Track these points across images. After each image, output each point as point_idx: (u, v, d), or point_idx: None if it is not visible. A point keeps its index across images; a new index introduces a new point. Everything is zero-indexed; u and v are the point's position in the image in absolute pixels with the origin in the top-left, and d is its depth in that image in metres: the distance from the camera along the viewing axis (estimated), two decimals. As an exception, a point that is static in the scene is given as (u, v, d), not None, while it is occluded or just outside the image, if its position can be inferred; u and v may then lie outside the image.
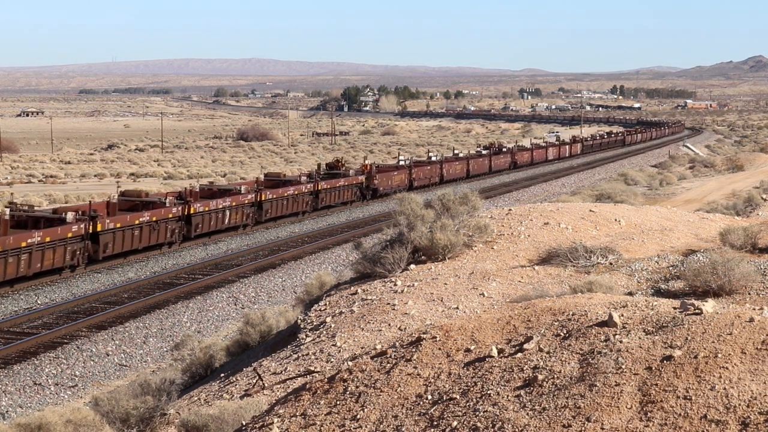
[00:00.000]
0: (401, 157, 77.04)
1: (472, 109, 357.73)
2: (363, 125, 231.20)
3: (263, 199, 49.07)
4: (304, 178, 55.06)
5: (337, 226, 51.57)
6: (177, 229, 42.18)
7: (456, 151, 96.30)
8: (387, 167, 70.74)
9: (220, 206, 45.40)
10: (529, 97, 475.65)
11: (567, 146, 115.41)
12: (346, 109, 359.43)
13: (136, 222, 39.12)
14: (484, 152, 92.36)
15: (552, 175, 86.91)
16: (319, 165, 64.96)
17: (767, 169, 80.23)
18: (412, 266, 19.04)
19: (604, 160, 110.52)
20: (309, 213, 54.32)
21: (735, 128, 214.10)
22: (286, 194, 51.36)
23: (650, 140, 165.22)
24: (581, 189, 66.89)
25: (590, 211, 22.89)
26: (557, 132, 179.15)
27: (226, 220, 46.16)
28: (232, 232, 47.29)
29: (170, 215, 41.42)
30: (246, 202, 47.26)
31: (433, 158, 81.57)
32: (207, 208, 44.25)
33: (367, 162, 70.06)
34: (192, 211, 43.13)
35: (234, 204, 46.35)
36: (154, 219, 40.28)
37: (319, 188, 55.40)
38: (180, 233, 42.57)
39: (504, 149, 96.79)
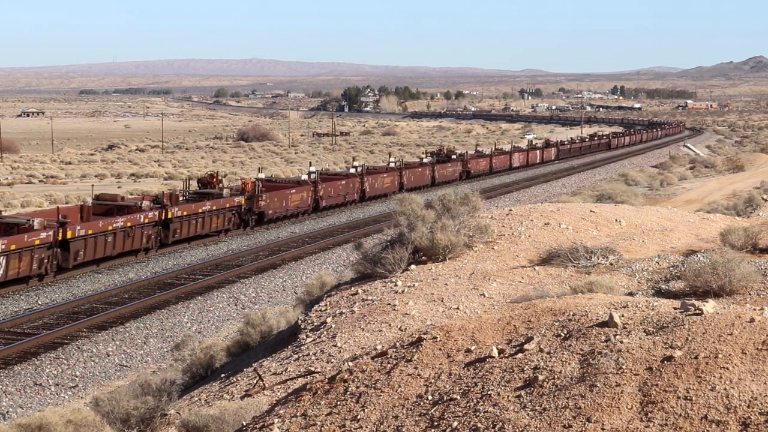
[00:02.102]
0: (312, 169, 61.48)
1: (473, 109, 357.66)
2: (363, 126, 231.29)
3: (73, 236, 35.00)
4: (146, 203, 40.97)
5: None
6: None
7: (421, 156, 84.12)
8: (281, 183, 56.16)
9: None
10: (530, 97, 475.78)
11: (537, 151, 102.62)
12: (346, 109, 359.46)
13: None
14: (426, 160, 78.09)
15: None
16: (186, 181, 50.12)
17: (767, 169, 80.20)
18: (413, 266, 19.04)
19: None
20: (155, 249, 40.96)
21: (735, 128, 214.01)
22: (111, 228, 37.20)
23: (640, 143, 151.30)
24: (582, 189, 66.90)
25: (591, 211, 22.88)
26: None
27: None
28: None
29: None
30: (38, 242, 33.17)
31: (386, 165, 71.31)
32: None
33: (261, 175, 57.83)
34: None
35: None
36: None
37: (171, 216, 41.40)
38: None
39: (454, 156, 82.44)
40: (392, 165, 71.95)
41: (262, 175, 57.98)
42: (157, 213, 40.34)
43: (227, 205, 46.11)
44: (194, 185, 49.60)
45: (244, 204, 47.58)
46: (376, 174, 65.45)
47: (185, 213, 42.49)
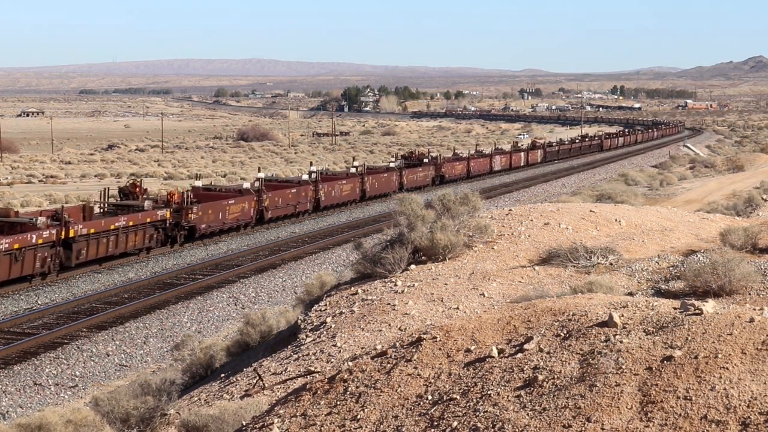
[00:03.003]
0: (260, 175, 53.83)
1: (473, 109, 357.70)
2: (363, 125, 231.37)
3: None
4: (42, 220, 34.43)
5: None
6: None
7: (390, 161, 76.56)
8: (216, 192, 49.15)
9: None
10: (530, 97, 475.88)
11: (522, 153, 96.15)
12: (346, 109, 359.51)
13: None
14: (393, 164, 71.19)
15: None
16: (103, 192, 42.16)
17: (767, 169, 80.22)
18: (413, 266, 19.04)
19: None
20: (55, 274, 34.94)
21: (735, 128, 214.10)
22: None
23: (635, 144, 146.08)
24: (581, 189, 66.91)
25: (590, 211, 22.89)
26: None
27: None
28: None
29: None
30: None
31: (346, 170, 64.77)
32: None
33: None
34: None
35: None
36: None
37: (73, 234, 35.19)
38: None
39: (426, 159, 75.17)
40: (353, 170, 63.73)
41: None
42: (54, 231, 34.04)
43: (148, 220, 39.53)
44: (134, 194, 42.35)
45: (169, 218, 40.99)
46: (333, 181, 58.21)
47: (93, 230, 36.26)
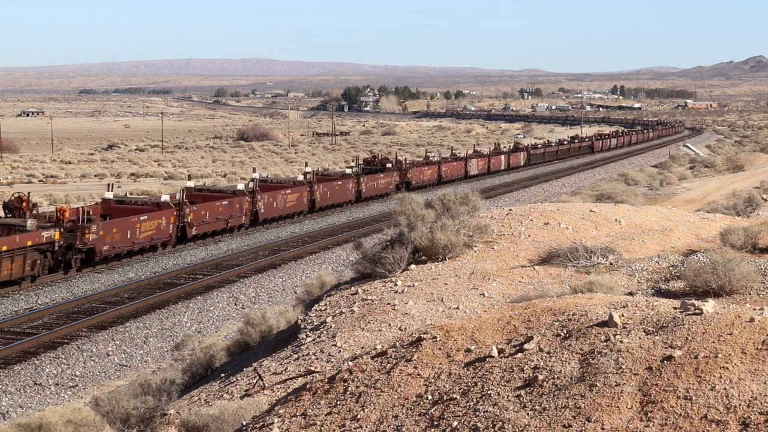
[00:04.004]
0: (190, 184, 48.53)
1: (473, 109, 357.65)
2: (363, 125, 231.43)
3: None
4: None
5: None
6: None
7: (351, 165, 68.74)
8: (131, 206, 42.06)
9: None
10: (530, 97, 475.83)
11: (502, 156, 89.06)
12: (346, 109, 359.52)
13: None
14: (349, 170, 63.85)
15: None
16: None
17: (767, 169, 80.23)
18: (413, 266, 19.04)
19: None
20: None
21: (735, 128, 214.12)
22: None
23: (629, 145, 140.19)
24: (581, 189, 66.90)
25: (590, 211, 22.89)
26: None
27: None
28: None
29: None
30: None
31: (293, 178, 57.20)
32: None
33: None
34: None
35: None
36: None
37: None
38: None
39: (389, 164, 67.51)
40: (301, 178, 56.06)
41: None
42: None
43: (29, 243, 32.76)
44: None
45: (59, 239, 34.31)
46: (275, 190, 50.91)
47: None
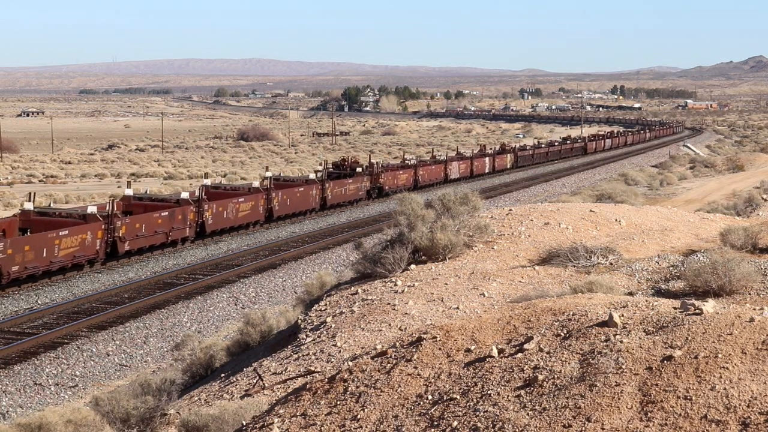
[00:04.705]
0: (129, 191, 43.47)
1: (473, 109, 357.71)
2: (363, 125, 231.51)
3: None
4: None
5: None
6: None
7: (318, 170, 60.92)
8: (54, 218, 36.51)
9: None
10: (530, 97, 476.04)
11: (486, 159, 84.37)
12: (346, 109, 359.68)
13: None
14: (312, 175, 58.02)
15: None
16: None
17: (767, 169, 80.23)
18: (413, 266, 19.04)
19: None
20: None
21: (735, 128, 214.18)
22: None
23: (624, 146, 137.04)
24: (582, 189, 66.91)
25: (590, 211, 22.89)
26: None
27: None
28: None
29: None
30: None
31: (248, 185, 50.40)
32: None
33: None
34: None
35: None
36: None
37: None
38: None
39: (360, 168, 62.98)
40: (256, 185, 50.33)
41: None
42: None
43: None
44: None
45: None
46: (225, 199, 45.79)
47: None
